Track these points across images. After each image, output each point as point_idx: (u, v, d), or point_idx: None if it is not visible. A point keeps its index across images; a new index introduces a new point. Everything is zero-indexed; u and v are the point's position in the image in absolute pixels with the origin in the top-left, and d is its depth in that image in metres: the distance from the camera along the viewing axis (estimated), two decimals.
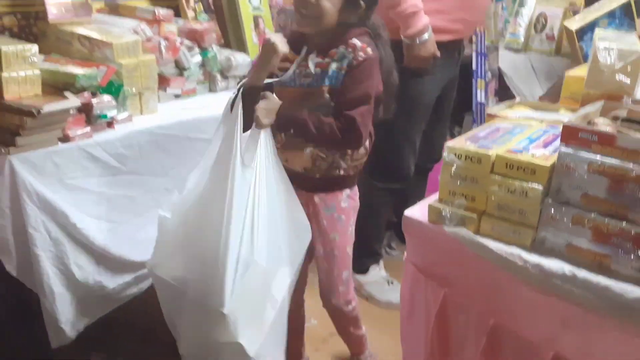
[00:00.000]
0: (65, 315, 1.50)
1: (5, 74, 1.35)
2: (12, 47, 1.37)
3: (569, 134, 1.01)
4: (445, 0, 1.91)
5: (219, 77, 1.97)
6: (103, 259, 1.55)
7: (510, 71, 3.21)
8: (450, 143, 1.12)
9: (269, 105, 1.35)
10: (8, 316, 1.69)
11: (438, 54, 1.91)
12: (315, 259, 1.56)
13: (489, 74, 3.18)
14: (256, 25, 2.15)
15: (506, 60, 3.21)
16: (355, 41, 1.38)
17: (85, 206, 1.49)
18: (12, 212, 1.39)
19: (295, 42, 1.42)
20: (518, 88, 3.11)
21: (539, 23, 3.02)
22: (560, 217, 1.02)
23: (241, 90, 1.34)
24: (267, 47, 1.34)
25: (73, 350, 1.61)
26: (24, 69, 1.39)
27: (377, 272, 2.25)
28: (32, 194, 1.38)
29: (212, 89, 1.97)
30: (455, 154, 1.10)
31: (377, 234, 2.28)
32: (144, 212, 1.63)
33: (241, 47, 2.10)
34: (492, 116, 1.37)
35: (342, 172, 1.46)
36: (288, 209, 1.39)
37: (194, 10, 2.06)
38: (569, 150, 1.00)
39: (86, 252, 1.52)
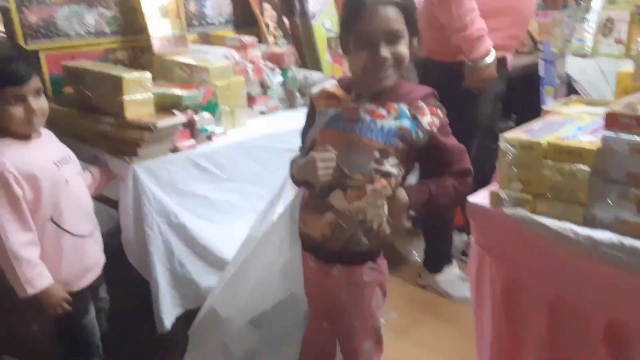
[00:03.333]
0: (166, 306, 1.74)
1: (126, 97, 1.64)
2: (131, 75, 1.66)
3: (612, 120, 1.13)
4: (500, 18, 1.99)
5: (298, 94, 2.20)
6: (203, 257, 1.79)
7: (579, 77, 3.26)
8: (505, 135, 1.27)
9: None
10: (130, 302, 1.96)
11: (496, 75, 1.99)
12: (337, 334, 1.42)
13: (557, 81, 3.25)
14: (329, 45, 2.37)
15: (574, 66, 3.26)
16: (423, 106, 1.26)
17: (193, 208, 1.74)
18: (134, 212, 1.67)
19: (350, 83, 1.31)
20: (588, 93, 3.16)
21: (606, 28, 3.05)
22: (607, 194, 1.14)
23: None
24: (310, 165, 1.21)
25: (180, 331, 1.86)
26: (140, 92, 1.67)
27: (450, 271, 2.38)
28: (149, 197, 1.65)
29: (292, 105, 2.21)
30: (510, 144, 1.25)
31: (445, 239, 2.41)
32: (242, 215, 1.87)
33: (316, 66, 2.33)
34: (547, 112, 1.50)
35: (363, 249, 1.29)
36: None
37: (274, 36, 2.32)
38: (612, 134, 1.12)
39: (190, 250, 1.76)
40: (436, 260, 2.39)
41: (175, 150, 1.70)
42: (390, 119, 1.24)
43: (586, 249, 1.14)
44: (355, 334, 1.34)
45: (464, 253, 2.61)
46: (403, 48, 1.20)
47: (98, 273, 1.59)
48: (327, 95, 1.30)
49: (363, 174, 1.22)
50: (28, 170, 1.38)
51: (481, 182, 2.40)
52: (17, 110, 1.38)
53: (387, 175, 1.22)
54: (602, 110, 1.48)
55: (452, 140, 1.32)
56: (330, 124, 1.27)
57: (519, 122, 3.65)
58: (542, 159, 1.21)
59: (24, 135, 1.43)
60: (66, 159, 1.50)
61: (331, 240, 1.27)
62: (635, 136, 1.09)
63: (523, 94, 3.17)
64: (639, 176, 1.09)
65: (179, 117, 1.68)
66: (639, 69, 1.35)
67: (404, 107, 1.25)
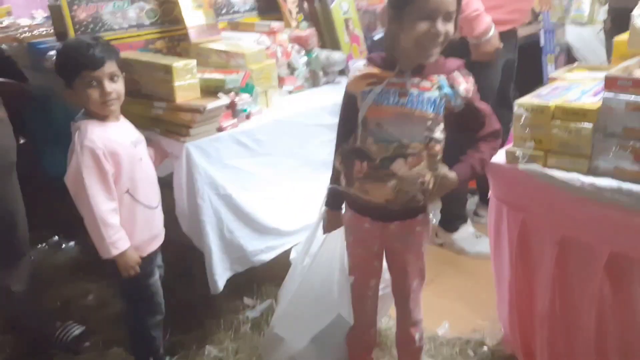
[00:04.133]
0: (218, 270, 1.96)
1: (176, 83, 1.84)
2: (179, 63, 1.85)
3: (610, 82, 1.34)
4: None
5: (321, 73, 2.39)
6: (247, 224, 1.99)
7: (578, 44, 3.45)
8: (519, 100, 1.47)
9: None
10: (177, 269, 2.19)
11: (501, 45, 2.19)
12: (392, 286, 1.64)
13: (557, 49, 3.43)
14: (347, 27, 2.55)
15: (573, 35, 3.45)
16: (458, 76, 1.41)
17: (237, 181, 1.95)
18: (187, 187, 1.86)
19: (386, 59, 1.41)
20: (586, 59, 3.35)
21: None
22: (607, 147, 1.34)
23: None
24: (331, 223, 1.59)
25: (228, 295, 2.09)
26: (188, 79, 1.86)
27: (465, 229, 2.60)
28: (201, 172, 1.85)
29: (315, 84, 2.40)
30: (524, 108, 1.45)
31: (460, 200, 2.63)
32: (278, 184, 2.07)
33: (336, 46, 2.51)
34: (553, 79, 1.70)
35: (420, 204, 1.48)
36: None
37: (296, 20, 2.50)
38: (611, 94, 1.33)
39: (237, 218, 1.96)
40: (452, 220, 2.60)
41: (220, 129, 1.89)
42: (434, 90, 1.38)
43: (590, 194, 1.35)
44: (407, 275, 1.56)
45: (476, 213, 2.83)
46: (451, 28, 1.33)
47: (161, 241, 1.80)
48: (365, 76, 1.41)
49: (420, 142, 1.39)
50: (112, 147, 1.58)
51: None
52: (94, 93, 1.56)
53: (438, 140, 1.42)
54: (602, 75, 1.69)
55: (483, 104, 1.48)
56: (379, 101, 1.38)
57: (521, 89, 3.86)
58: (551, 120, 1.41)
59: (104, 117, 1.62)
60: (139, 139, 1.70)
61: (393, 203, 1.43)
62: (631, 95, 1.29)
63: (525, 63, 3.35)
64: (635, 130, 1.30)
65: (224, 99, 1.87)
66: (634, 36, 1.54)
67: (443, 78, 1.39)
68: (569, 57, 3.44)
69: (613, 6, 2.97)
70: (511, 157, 1.50)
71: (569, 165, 1.41)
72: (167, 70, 1.84)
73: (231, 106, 1.93)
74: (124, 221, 1.62)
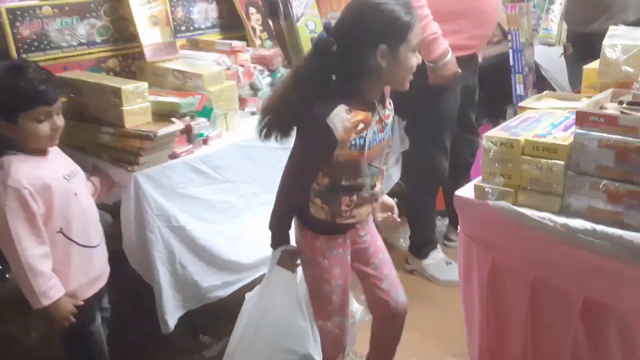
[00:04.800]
0: (169, 307, 1.81)
1: (125, 108, 1.71)
2: (129, 85, 1.73)
3: (582, 118, 1.26)
4: (460, 20, 2.14)
5: None
6: (203, 258, 1.86)
7: (546, 64, 3.43)
8: (487, 133, 1.39)
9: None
10: (129, 306, 2.05)
11: (459, 71, 2.15)
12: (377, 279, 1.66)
13: (526, 69, 3.40)
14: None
15: (542, 55, 3.42)
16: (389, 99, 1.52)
17: (192, 211, 1.83)
18: (135, 219, 1.73)
19: (364, 100, 1.40)
20: (555, 79, 3.33)
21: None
22: (580, 185, 1.27)
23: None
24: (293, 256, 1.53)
25: (183, 333, 1.95)
26: (138, 102, 1.74)
27: (435, 255, 2.52)
28: (150, 203, 1.72)
29: None
30: (492, 142, 1.37)
31: (429, 225, 2.56)
32: (239, 214, 1.96)
33: None
34: (523, 108, 1.63)
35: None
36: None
37: (260, 38, 2.40)
38: (582, 131, 1.25)
39: (191, 252, 1.83)
40: (421, 245, 2.52)
41: (174, 156, 1.77)
42: (391, 113, 1.51)
43: (563, 235, 1.28)
44: (387, 261, 1.69)
45: (447, 237, 2.76)
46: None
47: (104, 282, 1.65)
48: (355, 124, 1.36)
49: (385, 162, 1.55)
50: (41, 184, 1.44)
51: (462, 169, 2.57)
52: (44, 127, 1.44)
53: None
54: (572, 105, 1.63)
55: None
56: (371, 144, 1.42)
57: (491, 109, 3.82)
58: (521, 155, 1.33)
59: (42, 151, 1.49)
60: (74, 172, 1.56)
61: (373, 214, 1.61)
62: (603, 133, 1.22)
63: (494, 82, 3.31)
64: (608, 168, 1.23)
65: (177, 125, 1.75)
66: (604, 67, 1.48)
67: (389, 100, 1.51)
68: (538, 77, 3.41)
69: (573, 30, 2.96)
70: (480, 192, 1.42)
71: (541, 203, 1.33)
72: (116, 93, 1.71)
73: (186, 131, 1.82)
74: (57, 264, 1.48)
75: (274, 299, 1.56)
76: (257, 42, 2.37)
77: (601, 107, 1.37)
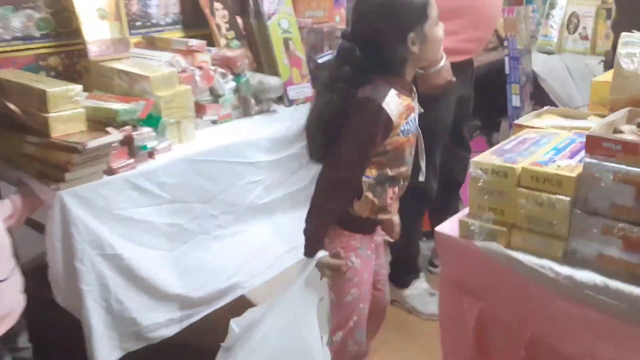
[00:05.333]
0: (102, 350, 1.52)
1: (51, 114, 1.45)
2: (57, 88, 1.46)
3: (593, 144, 1.01)
4: (457, 20, 1.86)
5: (252, 100, 2.03)
6: (144, 291, 1.58)
7: (545, 74, 3.18)
8: (476, 158, 1.14)
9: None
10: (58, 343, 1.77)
11: (453, 79, 1.87)
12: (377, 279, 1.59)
13: (523, 78, 3.16)
14: (286, 47, 2.21)
15: (540, 63, 3.18)
16: None
17: (133, 236, 1.56)
18: (63, 246, 1.46)
19: (404, 84, 1.38)
20: (554, 90, 3.09)
21: (571, 23, 2.98)
22: (589, 228, 1.02)
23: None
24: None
25: None
26: (68, 108, 1.47)
27: (419, 285, 2.26)
28: (80, 227, 1.45)
29: (246, 112, 2.03)
30: (482, 169, 1.12)
31: (412, 251, 2.30)
32: (191, 239, 1.69)
33: (273, 69, 2.16)
34: (520, 126, 1.38)
35: None
36: None
37: (226, 38, 2.14)
38: (594, 160, 1.01)
39: (129, 284, 1.54)
40: (403, 274, 2.27)
41: (110, 172, 1.51)
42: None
43: (566, 289, 1.03)
44: (385, 261, 1.66)
45: (432, 263, 2.50)
46: None
47: (15, 320, 1.38)
48: (405, 110, 1.34)
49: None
50: None
51: (452, 187, 2.31)
52: None
53: None
54: (577, 124, 1.38)
55: None
56: (412, 130, 1.38)
57: (484, 121, 3.55)
58: (517, 187, 1.08)
59: None
60: None
61: None
62: (620, 164, 0.97)
63: (489, 92, 3.06)
64: (625, 208, 0.98)
65: (114, 135, 1.49)
66: (619, 80, 1.23)
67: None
68: (535, 88, 3.17)
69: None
70: (465, 230, 1.16)
71: (540, 247, 1.08)
72: (41, 96, 1.45)
73: (127, 142, 1.55)
74: None
75: (291, 315, 1.35)
76: (223, 41, 2.11)
77: (615, 130, 1.12)
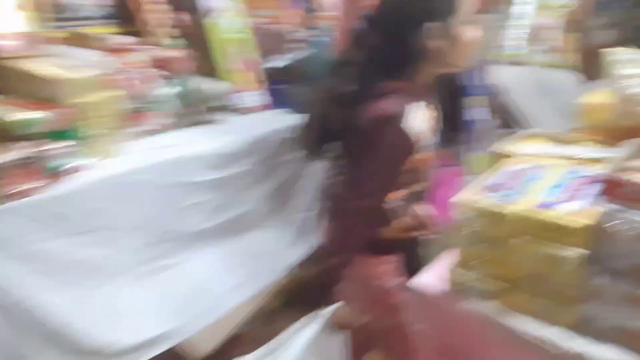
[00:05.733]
0: None
1: None
2: None
3: (611, 187, 0.82)
4: None
5: (195, 108, 1.77)
6: (54, 343, 1.27)
7: (509, 86, 3.04)
8: (462, 196, 0.93)
9: None
10: None
11: None
12: None
13: (483, 90, 3.01)
14: (237, 49, 1.95)
15: (503, 75, 3.04)
16: None
17: (39, 276, 1.26)
18: None
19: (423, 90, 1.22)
20: (518, 104, 2.94)
21: (536, 35, 2.85)
22: (608, 292, 0.82)
23: None
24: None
25: None
26: None
27: None
28: None
29: (188, 122, 1.76)
30: (468, 210, 0.91)
31: None
32: (121, 273, 1.41)
33: (222, 73, 1.91)
34: (502, 155, 1.18)
35: None
36: None
37: (167, 36, 1.86)
38: (614, 208, 0.81)
39: (34, 336, 1.24)
40: None
41: (10, 196, 1.22)
42: None
43: None
44: None
45: None
46: None
47: None
48: (430, 122, 1.18)
49: None
50: None
51: None
52: None
53: None
54: (571, 152, 1.19)
55: None
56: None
57: (444, 134, 3.36)
58: (513, 237, 0.87)
59: None
60: None
61: None
62: None
63: (444, 105, 2.90)
64: None
65: (16, 152, 1.20)
66: (624, 107, 1.05)
67: None
68: (499, 101, 3.02)
69: None
70: (456, 285, 0.95)
71: (545, 311, 0.87)
72: None
73: (35, 160, 1.26)
74: None
75: None
76: (163, 39, 1.83)
77: (626, 168, 0.93)
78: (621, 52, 1.35)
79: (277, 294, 1.94)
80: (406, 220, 1.22)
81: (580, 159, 1.10)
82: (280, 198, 1.89)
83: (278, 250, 1.86)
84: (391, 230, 1.20)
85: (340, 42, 1.99)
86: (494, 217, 0.88)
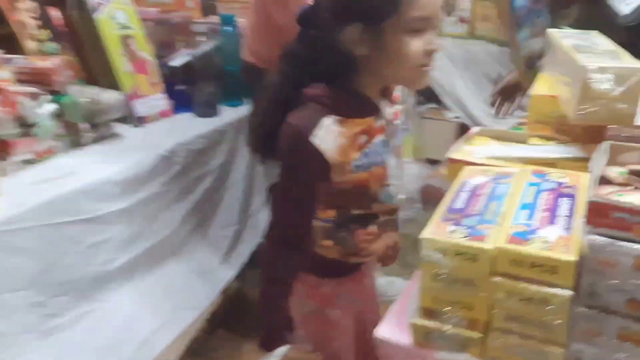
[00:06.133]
0: None
1: None
2: None
3: (599, 213, 0.70)
4: None
5: (84, 126, 1.50)
6: None
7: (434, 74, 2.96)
8: (425, 234, 0.78)
9: None
10: None
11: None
12: None
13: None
14: (126, 48, 1.68)
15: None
16: None
17: None
18: None
19: (358, 101, 1.03)
20: (434, 78, 2.87)
21: (448, 5, 2.78)
22: (600, 331, 0.72)
23: None
24: None
25: None
26: None
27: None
28: None
29: (76, 143, 1.49)
30: (435, 249, 0.76)
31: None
32: (7, 346, 1.16)
33: (110, 80, 1.63)
34: (455, 161, 1.05)
35: None
36: None
37: (37, 39, 1.56)
38: (602, 238, 0.69)
39: None
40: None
41: None
42: (401, 109, 1.18)
43: None
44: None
45: None
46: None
47: None
48: (352, 140, 0.98)
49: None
50: None
51: None
52: None
53: None
54: (521, 153, 1.09)
55: None
56: (381, 161, 1.04)
57: None
58: (491, 277, 0.75)
59: None
60: None
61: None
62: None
63: None
64: None
65: None
66: (590, 103, 0.94)
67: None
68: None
69: None
70: (421, 334, 0.81)
71: (531, 356, 0.76)
72: None
73: None
74: None
75: None
76: (32, 45, 1.53)
77: (602, 179, 0.82)
78: (563, 32, 1.26)
79: (211, 317, 1.75)
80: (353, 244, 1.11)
81: (529, 160, 1.00)
82: (201, 216, 1.68)
83: (206, 273, 1.66)
84: (329, 253, 1.12)
85: (249, 38, 1.79)
86: (465, 257, 0.75)
